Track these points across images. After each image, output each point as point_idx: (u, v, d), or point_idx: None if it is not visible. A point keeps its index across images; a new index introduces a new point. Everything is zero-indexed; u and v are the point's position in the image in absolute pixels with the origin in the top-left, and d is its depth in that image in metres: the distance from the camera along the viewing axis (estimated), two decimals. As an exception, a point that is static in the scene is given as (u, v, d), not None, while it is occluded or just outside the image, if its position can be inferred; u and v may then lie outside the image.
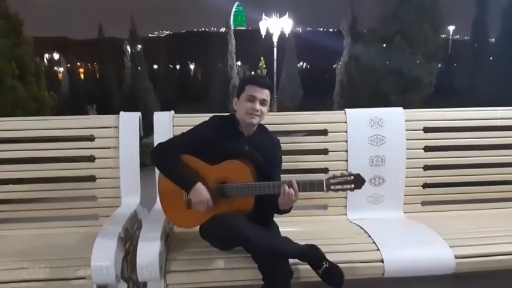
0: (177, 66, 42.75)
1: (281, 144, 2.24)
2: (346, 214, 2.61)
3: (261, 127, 2.17)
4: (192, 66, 46.72)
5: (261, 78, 2.13)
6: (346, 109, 2.65)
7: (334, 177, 1.91)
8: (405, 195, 2.64)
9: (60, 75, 25.26)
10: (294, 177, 2.42)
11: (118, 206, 2.46)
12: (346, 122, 2.61)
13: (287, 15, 15.72)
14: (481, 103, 3.06)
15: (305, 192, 1.93)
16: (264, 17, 15.72)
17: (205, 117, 2.55)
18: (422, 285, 2.34)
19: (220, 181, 2.00)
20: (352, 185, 1.90)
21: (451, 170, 2.65)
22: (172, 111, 2.58)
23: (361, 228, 2.39)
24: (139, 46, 19.89)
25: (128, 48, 20.44)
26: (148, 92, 17.45)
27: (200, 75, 37.37)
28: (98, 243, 1.94)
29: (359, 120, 2.61)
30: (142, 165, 2.51)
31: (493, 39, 16.28)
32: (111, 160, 2.51)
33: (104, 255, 1.89)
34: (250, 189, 1.96)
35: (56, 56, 36.26)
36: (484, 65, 14.76)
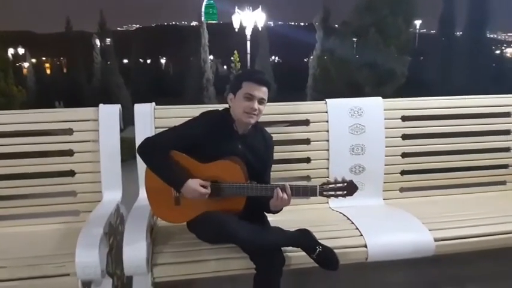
0: (148, 61, 42.01)
1: None
2: (327, 202, 2.65)
3: (256, 125, 2.10)
4: (163, 61, 46.03)
5: (259, 74, 2.02)
6: (327, 99, 2.68)
7: (328, 183, 1.92)
8: (384, 183, 2.70)
9: (25, 70, 24.34)
10: (277, 168, 2.50)
11: (99, 201, 2.41)
12: (327, 112, 2.64)
13: (260, 8, 15.68)
14: (451, 93, 3.18)
15: (297, 196, 1.93)
16: (237, 10, 15.63)
17: (187, 109, 2.55)
18: (404, 268, 2.41)
19: (211, 180, 1.96)
20: (345, 192, 1.91)
21: (428, 157, 2.74)
22: (153, 103, 2.54)
23: (344, 215, 2.44)
24: (109, 40, 19.46)
25: (97, 42, 19.94)
26: (120, 87, 17.13)
27: (172, 69, 36.87)
28: (82, 239, 1.90)
29: (339, 110, 2.65)
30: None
31: (459, 33, 16.80)
32: (91, 154, 2.45)
33: (89, 251, 1.85)
34: (243, 190, 1.94)
35: (21, 50, 34.87)
36: (452, 58, 15.23)
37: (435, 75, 15.47)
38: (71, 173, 2.44)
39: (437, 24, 18.31)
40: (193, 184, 1.91)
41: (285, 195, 1.90)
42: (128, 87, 18.53)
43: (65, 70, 25.81)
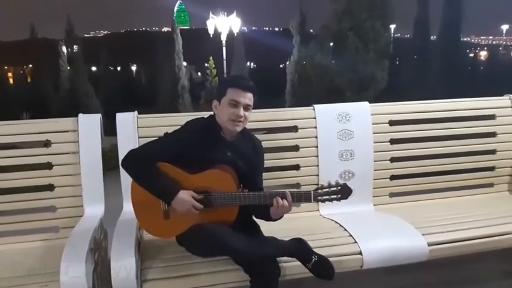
0: (118, 68, 41.51)
1: None
2: (318, 210, 2.68)
3: (243, 130, 2.10)
4: (133, 68, 45.57)
5: (243, 80, 2.02)
6: (314, 105, 2.72)
7: (322, 187, 1.94)
8: (374, 188, 2.75)
9: (-17, 80, 23.59)
10: (266, 175, 2.50)
11: (80, 216, 2.35)
12: (315, 118, 2.68)
13: (235, 13, 15.78)
14: (430, 97, 3.29)
15: (292, 203, 1.94)
16: (211, 15, 15.66)
17: (172, 117, 2.54)
18: (398, 274, 2.45)
19: (201, 191, 1.95)
20: (339, 195, 1.93)
21: (417, 161, 2.80)
22: (136, 112, 2.52)
23: (336, 222, 2.47)
24: (76, 47, 19.13)
25: (64, 49, 19.55)
26: (89, 96, 16.83)
27: (144, 76, 36.53)
28: (67, 255, 1.85)
29: (327, 116, 2.70)
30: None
31: (434, 37, 17.38)
32: (71, 167, 2.40)
33: (75, 268, 1.80)
34: (236, 200, 1.93)
35: (-20, 59, 33.78)
36: (428, 61, 15.72)
37: (412, 79, 15.92)
38: (50, 187, 2.38)
39: (412, 28, 18.89)
40: (186, 195, 1.90)
41: (286, 202, 1.90)
42: (98, 96, 18.23)
43: (29, 79, 25.18)
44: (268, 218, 2.03)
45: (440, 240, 2.22)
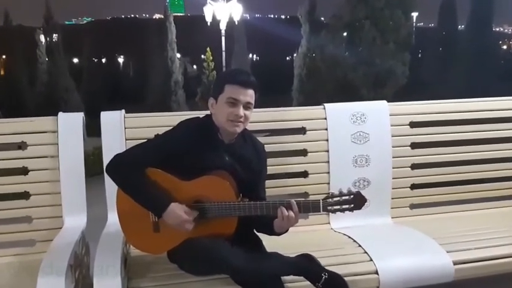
0: (103, 60, 41.68)
1: None
2: (329, 223, 2.69)
3: (244, 132, 2.10)
4: (120, 60, 45.75)
5: (243, 75, 2.01)
6: (325, 104, 2.73)
7: (332, 196, 1.94)
8: (392, 198, 2.76)
9: None
10: (269, 183, 2.51)
11: (59, 228, 2.37)
12: (325, 119, 2.69)
13: (235, -2, 15.82)
14: (457, 95, 3.29)
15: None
16: (209, 1, 15.69)
17: (164, 117, 2.56)
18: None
19: (196, 200, 1.96)
20: (352, 205, 1.93)
21: (441, 168, 2.81)
22: (123, 110, 2.53)
23: (349, 237, 2.47)
24: (56, 36, 19.18)
25: (42, 38, 19.61)
26: (70, 91, 16.88)
27: (132, 69, 36.67)
28: (44, 273, 1.85)
29: (340, 116, 2.71)
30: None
31: (462, 26, 17.37)
32: (49, 172, 2.42)
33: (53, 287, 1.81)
34: (235, 210, 1.93)
35: None
36: (455, 54, 15.70)
37: (437, 74, 15.91)
38: (25, 195, 2.39)
39: (437, 17, 18.89)
40: (177, 209, 1.91)
41: (292, 214, 1.90)
42: (80, 91, 18.28)
43: (1, 72, 25.28)
44: (271, 231, 2.03)
45: (468, 259, 2.22)
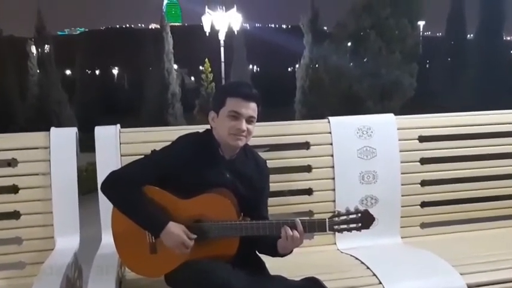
0: (97, 72, 41.94)
1: None
2: (335, 243, 2.67)
3: (246, 147, 2.11)
4: (115, 71, 46.04)
5: (246, 88, 2.02)
6: (329, 117, 2.74)
7: (338, 215, 1.93)
8: (402, 217, 2.75)
9: None
10: (271, 201, 2.50)
11: (51, 250, 2.36)
12: (330, 133, 2.69)
13: (235, 8, 15.96)
14: (467, 107, 3.29)
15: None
16: (207, 10, 15.84)
17: (162, 132, 2.56)
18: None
19: (195, 219, 1.95)
20: (360, 224, 1.92)
21: (453, 184, 2.81)
22: (118, 125, 2.54)
23: (356, 258, 2.46)
24: (48, 47, 19.30)
25: (33, 49, 19.74)
26: (62, 104, 16.91)
27: (127, 82, 36.86)
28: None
29: (345, 130, 2.71)
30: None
31: (471, 35, 17.48)
32: (40, 190, 2.42)
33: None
34: (236, 230, 1.92)
35: None
36: (464, 64, 15.77)
37: (446, 86, 15.97)
38: (15, 215, 2.39)
39: (445, 25, 19.02)
40: (176, 229, 1.89)
41: (296, 233, 1.89)
42: (72, 104, 18.34)
43: (-10, 84, 25.38)
44: (274, 252, 2.01)
45: (483, 281, 2.20)
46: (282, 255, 2.02)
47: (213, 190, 1.98)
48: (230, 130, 1.97)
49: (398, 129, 2.74)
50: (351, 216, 1.93)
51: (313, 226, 1.94)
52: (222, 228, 1.93)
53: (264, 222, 1.94)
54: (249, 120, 2.00)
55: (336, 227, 1.93)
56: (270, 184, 2.26)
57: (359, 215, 1.93)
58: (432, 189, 2.77)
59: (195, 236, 1.92)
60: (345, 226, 1.93)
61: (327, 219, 1.93)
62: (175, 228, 1.89)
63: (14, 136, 2.49)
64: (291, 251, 2.01)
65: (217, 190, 1.98)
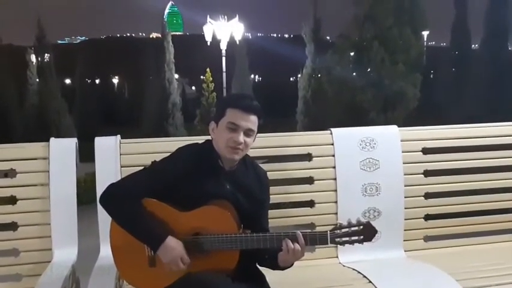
0: (97, 81, 42.14)
1: None
2: (337, 257, 2.67)
3: (246, 158, 2.11)
4: (115, 80, 46.20)
5: (246, 99, 2.02)
6: (332, 128, 2.74)
7: (340, 227, 1.93)
8: (405, 230, 2.74)
9: None
10: (272, 213, 2.50)
11: (48, 262, 2.36)
12: (333, 144, 2.69)
13: (237, 17, 16.05)
14: (472, 119, 3.30)
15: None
16: (209, 20, 15.93)
17: (162, 142, 2.57)
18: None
19: (195, 232, 1.95)
20: (362, 237, 1.93)
21: (457, 197, 2.80)
22: (119, 136, 2.55)
23: (359, 272, 2.46)
24: (48, 55, 19.40)
25: (33, 58, 19.84)
26: (62, 114, 16.97)
27: (127, 91, 36.98)
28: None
29: (348, 142, 2.71)
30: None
31: (476, 45, 17.51)
32: (39, 201, 2.43)
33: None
34: (236, 243, 1.92)
35: None
36: (469, 75, 15.77)
37: (451, 97, 15.97)
38: (13, 226, 2.39)
39: (450, 35, 19.05)
40: (175, 243, 1.89)
41: (297, 246, 1.89)
42: (72, 114, 18.39)
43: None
44: (275, 265, 2.01)
45: (489, 297, 2.20)
46: (283, 268, 2.02)
47: (213, 202, 1.98)
48: (227, 142, 1.97)
49: (401, 141, 2.74)
50: (352, 229, 1.93)
51: (315, 239, 1.95)
52: (221, 241, 1.93)
53: (264, 235, 1.94)
54: (247, 133, 2.00)
55: (337, 239, 1.93)
56: (272, 196, 2.26)
57: (361, 227, 1.94)
58: (436, 202, 2.77)
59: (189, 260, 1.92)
60: (346, 239, 1.93)
61: (328, 232, 1.93)
62: (172, 243, 1.89)
63: (13, 146, 2.50)
64: (292, 264, 2.01)
65: (217, 202, 1.98)
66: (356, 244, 1.94)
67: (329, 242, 1.93)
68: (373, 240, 1.96)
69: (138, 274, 2.01)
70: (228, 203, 2.00)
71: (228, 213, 1.96)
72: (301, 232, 1.92)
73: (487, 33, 15.43)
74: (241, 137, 1.97)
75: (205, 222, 1.95)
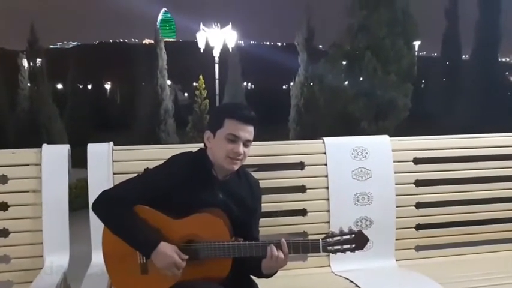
0: (89, 86, 41.97)
1: None
2: (329, 265, 2.67)
3: (239, 168, 2.10)
4: (107, 86, 46.10)
5: (245, 110, 2.02)
6: (324, 138, 2.76)
7: (332, 235, 1.95)
8: (396, 239, 2.75)
9: None
10: (265, 222, 2.51)
11: (39, 269, 2.35)
12: (325, 153, 2.71)
13: (230, 25, 16.09)
14: (463, 129, 3.33)
15: (296, 254, 1.95)
16: (202, 27, 15.95)
17: (155, 150, 2.57)
18: None
19: (188, 239, 1.95)
20: (353, 245, 1.94)
21: (448, 207, 2.82)
22: (111, 143, 2.55)
23: (351, 281, 2.47)
24: (40, 60, 19.32)
25: (25, 62, 19.74)
26: (53, 119, 16.87)
27: (119, 97, 36.88)
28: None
29: (340, 151, 2.73)
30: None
31: (466, 56, 17.69)
32: (30, 208, 2.42)
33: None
34: (229, 251, 1.92)
35: None
36: (459, 85, 15.93)
37: (440, 106, 16.11)
38: (4, 233, 2.37)
39: (441, 46, 19.24)
40: (167, 249, 1.89)
41: (281, 254, 1.91)
42: (63, 119, 18.30)
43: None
44: (259, 273, 2.02)
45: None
46: (267, 276, 2.03)
47: (206, 210, 1.98)
48: (228, 153, 1.97)
49: (393, 150, 2.76)
50: (344, 237, 1.95)
51: (307, 247, 1.96)
52: (213, 249, 1.93)
53: (257, 243, 1.95)
54: (245, 144, 2.01)
55: (329, 248, 1.95)
56: (264, 204, 2.27)
57: (353, 235, 1.95)
58: (427, 212, 2.79)
59: (186, 257, 1.92)
60: (338, 247, 1.95)
61: (320, 240, 1.94)
62: (166, 249, 1.89)
63: (5, 152, 2.48)
64: (275, 272, 2.01)
65: (210, 210, 1.99)
66: (348, 252, 1.96)
67: (321, 250, 1.94)
68: (364, 248, 1.98)
69: (130, 281, 2.01)
70: (220, 211, 2.00)
71: (221, 221, 1.97)
72: (293, 240, 1.93)
73: (478, 43, 15.60)
74: (241, 148, 1.98)
75: (198, 230, 1.95)
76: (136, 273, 1.98)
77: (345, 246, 1.95)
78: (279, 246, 1.91)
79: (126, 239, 1.92)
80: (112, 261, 2.02)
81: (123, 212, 1.92)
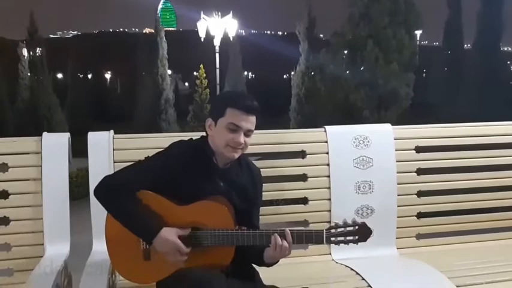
0: (89, 76, 42.00)
1: None
2: (330, 253, 2.67)
3: (240, 157, 2.09)
4: (108, 76, 46.06)
5: (247, 100, 2.00)
6: (326, 126, 2.75)
7: (336, 226, 1.95)
8: (398, 228, 2.75)
9: None
10: (266, 210, 2.51)
11: (40, 257, 2.35)
12: (326, 142, 2.70)
13: (231, 14, 16.02)
14: (464, 118, 3.32)
15: (299, 244, 1.95)
16: (202, 16, 15.88)
17: (155, 138, 2.56)
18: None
19: (191, 226, 1.94)
20: (357, 237, 1.94)
21: (449, 195, 2.81)
22: (112, 131, 2.54)
23: (352, 269, 2.47)
24: (40, 50, 19.26)
25: (25, 52, 19.69)
26: (53, 109, 16.85)
27: (120, 86, 36.88)
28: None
29: (342, 140, 2.72)
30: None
31: (468, 45, 17.58)
32: (31, 196, 2.42)
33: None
34: (231, 239, 1.92)
35: None
36: (461, 74, 15.86)
37: (441, 96, 16.06)
38: (5, 221, 2.37)
39: (442, 35, 19.12)
40: (169, 234, 1.89)
41: (285, 243, 1.90)
42: (64, 109, 18.29)
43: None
44: (260, 262, 2.02)
45: (482, 295, 2.21)
46: (268, 265, 2.02)
47: (211, 197, 1.98)
48: (228, 142, 1.97)
49: (395, 139, 2.75)
50: (348, 229, 1.95)
51: (311, 237, 1.95)
52: (217, 237, 1.93)
53: (260, 232, 1.94)
54: (247, 133, 2.00)
55: (333, 238, 1.94)
56: (265, 193, 2.27)
57: (356, 227, 1.95)
58: (428, 200, 2.79)
59: (188, 249, 1.91)
60: (342, 238, 1.95)
61: (324, 231, 1.94)
62: (169, 235, 1.89)
63: (5, 141, 2.47)
64: (277, 261, 2.01)
65: (213, 197, 1.98)
66: (351, 244, 1.95)
67: (325, 242, 1.94)
68: (367, 240, 1.97)
69: (132, 267, 2.01)
70: (224, 198, 2.00)
71: (225, 208, 1.96)
72: (297, 230, 1.93)
73: (480, 32, 15.49)
74: (242, 138, 1.98)
75: (202, 217, 1.95)
76: (138, 259, 1.98)
77: (348, 238, 1.95)
78: (283, 236, 1.91)
79: (127, 225, 1.92)
80: (114, 247, 2.02)
81: (125, 197, 1.92)
